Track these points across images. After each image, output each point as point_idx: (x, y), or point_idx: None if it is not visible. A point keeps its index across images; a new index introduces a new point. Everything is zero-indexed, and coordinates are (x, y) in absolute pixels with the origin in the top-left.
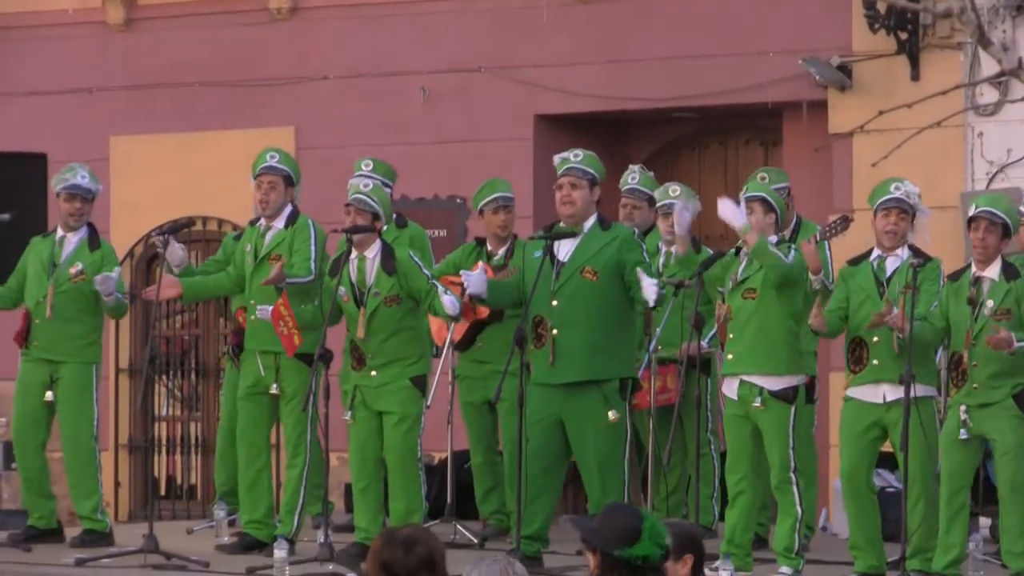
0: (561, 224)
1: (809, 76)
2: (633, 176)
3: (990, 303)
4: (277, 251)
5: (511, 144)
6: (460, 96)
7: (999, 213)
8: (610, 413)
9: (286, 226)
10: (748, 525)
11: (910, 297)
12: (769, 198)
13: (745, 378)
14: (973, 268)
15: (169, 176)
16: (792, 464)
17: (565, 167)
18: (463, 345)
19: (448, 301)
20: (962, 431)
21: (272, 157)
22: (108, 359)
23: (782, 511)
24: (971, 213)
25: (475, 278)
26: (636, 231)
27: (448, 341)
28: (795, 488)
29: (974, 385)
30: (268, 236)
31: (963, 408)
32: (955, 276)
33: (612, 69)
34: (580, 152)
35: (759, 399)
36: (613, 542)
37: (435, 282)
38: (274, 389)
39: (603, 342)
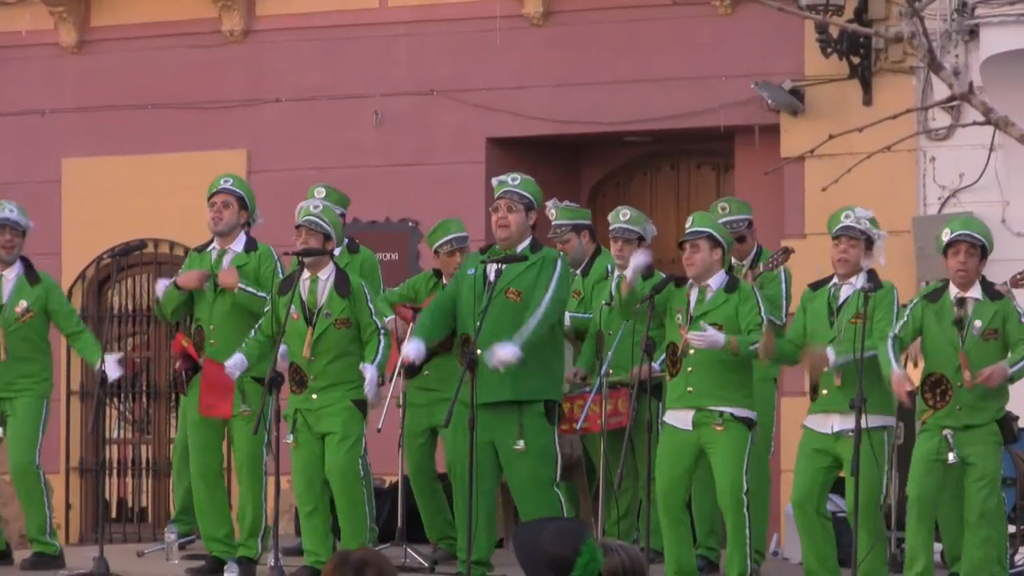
0: (497, 247)
1: (761, 100)
2: (551, 212)
3: (978, 323)
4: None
5: (463, 167)
6: (412, 119)
7: (978, 236)
8: (519, 443)
9: (246, 251)
10: (690, 550)
11: (860, 326)
12: (715, 233)
13: (715, 407)
14: (952, 289)
15: (121, 198)
16: (744, 487)
17: (503, 190)
18: (410, 373)
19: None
20: (951, 455)
21: (226, 181)
22: (59, 381)
23: (733, 535)
24: (949, 237)
25: (412, 350)
26: (561, 255)
27: (397, 367)
28: (746, 512)
29: (957, 407)
30: (226, 260)
31: (949, 432)
32: (934, 297)
33: (564, 92)
34: (518, 176)
35: (720, 419)
36: (543, 572)
37: (378, 323)
38: (244, 410)
39: (524, 364)
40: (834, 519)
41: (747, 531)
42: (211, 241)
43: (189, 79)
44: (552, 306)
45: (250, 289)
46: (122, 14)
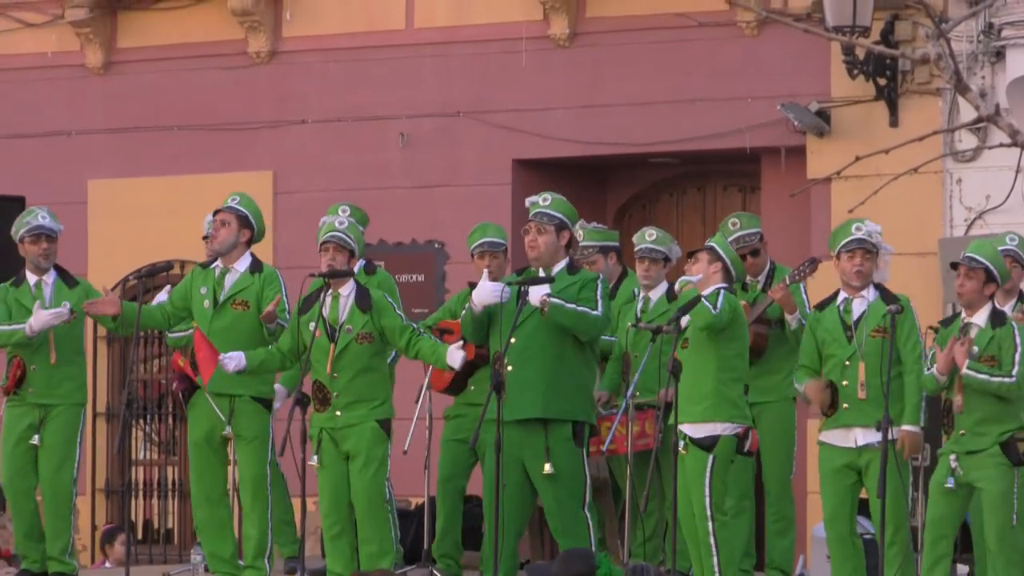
0: (531, 268)
1: (788, 122)
2: (579, 234)
3: (975, 349)
4: (241, 296)
5: (489, 189)
6: (438, 141)
7: (979, 258)
8: (546, 466)
9: (250, 271)
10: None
11: (885, 342)
12: (717, 248)
13: (681, 426)
14: (963, 315)
15: (147, 220)
16: (708, 513)
17: (533, 211)
18: (455, 389)
19: (451, 352)
20: (949, 479)
21: (233, 199)
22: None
23: (703, 558)
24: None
25: (485, 290)
26: (600, 275)
27: (425, 385)
28: (712, 538)
29: (961, 432)
30: (228, 280)
31: (953, 457)
32: (947, 323)
33: (590, 114)
34: (549, 196)
35: (683, 443)
36: None
37: (414, 324)
38: (227, 432)
39: (555, 382)
40: (863, 541)
41: (714, 558)
42: (216, 258)
43: (215, 100)
44: (600, 319)
45: (283, 323)
46: (148, 35)
